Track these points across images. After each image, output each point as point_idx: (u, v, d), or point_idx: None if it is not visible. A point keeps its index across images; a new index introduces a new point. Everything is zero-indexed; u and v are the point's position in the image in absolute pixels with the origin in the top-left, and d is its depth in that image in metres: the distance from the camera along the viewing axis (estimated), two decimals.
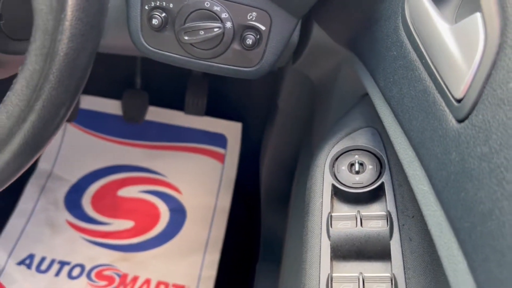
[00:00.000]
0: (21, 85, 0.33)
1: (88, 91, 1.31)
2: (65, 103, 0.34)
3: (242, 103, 1.31)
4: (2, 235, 1.14)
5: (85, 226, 1.19)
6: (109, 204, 1.23)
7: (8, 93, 0.34)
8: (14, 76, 0.43)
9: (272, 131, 1.03)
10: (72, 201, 1.22)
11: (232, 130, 1.34)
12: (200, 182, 1.29)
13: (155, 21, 0.57)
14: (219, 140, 1.34)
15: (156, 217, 1.23)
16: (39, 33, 0.32)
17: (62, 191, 1.23)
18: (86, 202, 1.22)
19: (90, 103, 1.33)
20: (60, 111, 0.34)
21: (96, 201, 1.23)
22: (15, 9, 0.47)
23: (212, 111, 1.32)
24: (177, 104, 1.31)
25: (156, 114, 1.32)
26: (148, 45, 0.59)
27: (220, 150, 1.33)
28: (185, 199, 1.26)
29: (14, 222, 1.17)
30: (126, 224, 1.21)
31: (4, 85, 0.58)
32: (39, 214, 1.19)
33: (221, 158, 1.32)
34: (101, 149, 1.28)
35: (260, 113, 1.24)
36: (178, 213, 1.24)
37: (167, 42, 0.59)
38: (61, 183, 1.24)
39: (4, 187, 0.43)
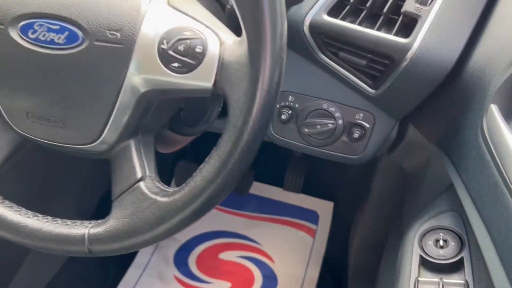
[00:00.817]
0: (214, 160, 0.50)
1: None
2: (240, 177, 0.51)
3: (336, 184, 1.45)
4: (122, 282, 1.33)
5: (190, 283, 1.35)
6: (211, 265, 1.38)
7: (204, 164, 0.51)
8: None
9: (363, 212, 1.15)
10: (180, 259, 1.39)
11: (324, 208, 1.47)
12: (292, 253, 1.41)
13: (283, 116, 0.74)
14: (312, 216, 1.47)
15: (250, 281, 1.36)
16: (231, 127, 0.49)
17: (172, 249, 1.41)
18: (192, 261, 1.39)
19: None
20: (235, 183, 0.51)
21: (200, 261, 1.39)
22: (193, 105, 0.66)
23: (308, 189, 1.47)
24: (276, 180, 1.48)
25: (258, 188, 1.50)
26: (275, 133, 0.77)
27: (312, 225, 1.46)
28: (277, 267, 1.39)
29: (132, 272, 1.36)
30: (224, 285, 1.35)
31: (168, 155, 0.77)
32: (152, 268, 1.38)
33: (312, 233, 1.45)
34: (209, 215, 1.46)
35: (352, 194, 1.36)
36: (270, 280, 1.36)
37: (290, 132, 0.76)
38: (172, 242, 1.42)
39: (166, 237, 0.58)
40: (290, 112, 0.75)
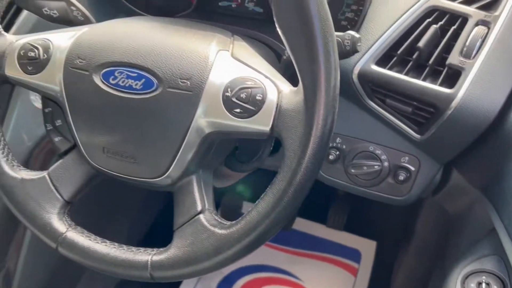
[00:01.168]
0: (269, 197, 0.55)
1: None
2: (292, 214, 0.55)
3: (379, 223, 1.46)
4: None
5: None
6: None
7: (260, 200, 0.55)
8: None
9: (406, 252, 1.16)
10: None
11: (367, 247, 1.48)
12: None
13: (331, 157, 0.79)
14: (354, 254, 1.49)
15: None
16: (286, 168, 0.54)
17: (215, 280, 1.45)
18: None
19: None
20: (287, 220, 0.55)
21: None
22: (247, 145, 0.72)
23: (351, 227, 1.48)
24: (319, 217, 1.51)
25: (301, 224, 1.53)
26: (323, 173, 0.81)
27: (354, 264, 1.47)
28: None
29: None
30: None
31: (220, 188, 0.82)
32: None
33: (354, 271, 1.46)
34: None
35: (395, 234, 1.38)
36: None
37: (337, 172, 0.80)
38: (216, 273, 1.46)
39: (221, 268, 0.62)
40: (337, 153, 0.79)
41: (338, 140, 0.79)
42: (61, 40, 0.62)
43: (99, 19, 0.73)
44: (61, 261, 0.98)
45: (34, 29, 0.80)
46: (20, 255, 0.94)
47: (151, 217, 1.35)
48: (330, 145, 0.79)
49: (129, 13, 0.85)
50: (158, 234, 1.34)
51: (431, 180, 0.76)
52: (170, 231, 0.61)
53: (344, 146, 0.79)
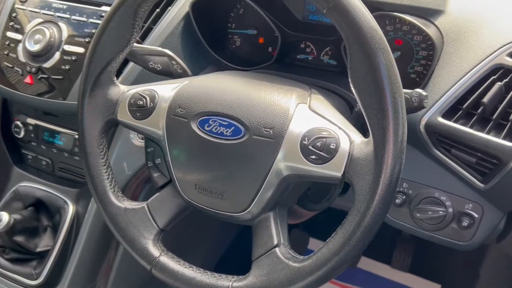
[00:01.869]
0: (339, 236, 0.62)
1: None
2: (360, 253, 0.61)
3: (444, 266, 1.46)
4: None
5: None
6: None
7: (330, 239, 0.62)
8: None
9: None
10: None
11: None
12: None
13: (397, 200, 0.84)
14: None
15: None
16: (355, 211, 0.61)
17: None
18: None
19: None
20: (355, 258, 0.61)
21: None
22: (319, 186, 0.79)
23: (415, 269, 1.50)
24: (384, 257, 1.53)
25: (365, 263, 1.56)
26: (389, 215, 0.86)
27: None
28: None
29: None
30: None
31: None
32: None
33: None
34: None
35: (460, 278, 1.37)
36: None
37: (403, 215, 0.85)
38: None
39: None
40: (404, 197, 0.84)
41: (404, 185, 0.84)
42: (165, 91, 0.74)
43: (193, 70, 0.84)
44: (144, 285, 1.08)
45: (139, 77, 0.93)
46: (110, 276, 1.06)
47: (225, 245, 1.43)
48: (397, 189, 0.85)
49: (217, 64, 0.97)
50: (231, 261, 1.42)
51: (494, 228, 0.79)
52: (242, 259, 0.68)
53: (410, 191, 0.84)
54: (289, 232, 0.72)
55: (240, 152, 0.67)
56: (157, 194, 0.75)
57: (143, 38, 0.95)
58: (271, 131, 0.66)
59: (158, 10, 0.96)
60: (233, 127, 0.67)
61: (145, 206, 0.74)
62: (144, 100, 0.73)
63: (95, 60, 0.74)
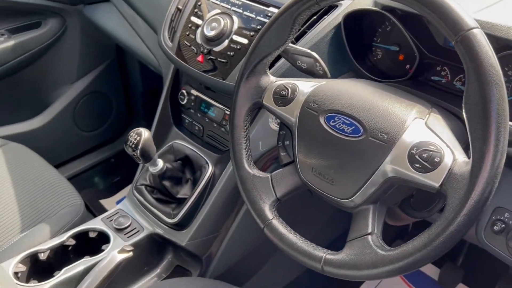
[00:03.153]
0: (425, 236, 0.71)
1: None
2: (437, 256, 0.70)
3: None
4: None
5: None
6: None
7: (416, 237, 0.72)
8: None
9: None
10: None
11: None
12: None
13: (496, 227, 0.89)
14: None
15: None
16: (444, 218, 0.69)
17: None
18: None
19: None
20: (431, 259, 0.70)
21: None
22: (423, 196, 0.87)
23: None
24: None
25: None
26: (485, 239, 0.91)
27: None
28: None
29: None
30: None
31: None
32: None
33: None
34: None
35: None
36: None
37: (498, 242, 0.90)
38: None
39: None
40: (503, 225, 0.89)
41: (506, 215, 0.89)
42: (304, 86, 0.88)
43: (333, 73, 0.97)
44: (260, 241, 1.24)
45: (286, 72, 1.08)
46: (230, 231, 1.24)
47: (335, 231, 1.53)
48: (498, 217, 0.90)
49: (357, 72, 1.08)
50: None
51: None
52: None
53: (511, 222, 0.88)
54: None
55: (355, 148, 0.79)
56: (280, 169, 0.90)
57: (297, 39, 1.10)
58: (385, 136, 0.77)
59: (315, 17, 1.10)
60: (353, 127, 0.80)
61: (269, 177, 0.90)
62: (287, 91, 0.89)
63: (256, 52, 0.91)
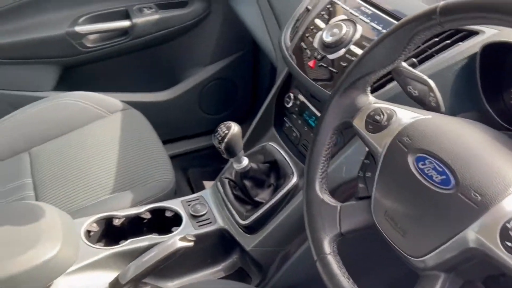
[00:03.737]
0: None
1: None
2: None
3: None
4: None
5: None
6: None
7: None
8: None
9: None
10: None
11: None
12: None
13: None
14: None
15: None
16: None
17: None
18: None
19: None
20: None
21: None
22: None
23: None
24: None
25: None
26: None
27: None
28: None
29: None
30: None
31: None
32: None
33: None
34: None
35: None
36: None
37: None
38: None
39: None
40: None
41: None
42: (404, 116, 0.76)
43: (451, 110, 0.83)
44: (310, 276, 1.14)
45: (394, 96, 0.95)
46: (302, 245, 1.15)
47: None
48: None
49: (484, 113, 0.90)
50: None
51: None
52: None
53: None
54: None
55: (439, 202, 0.65)
56: (352, 202, 0.79)
57: (420, 62, 0.96)
58: (479, 197, 0.62)
59: (448, 41, 0.96)
60: (444, 176, 0.66)
61: (338, 207, 0.80)
62: (382, 116, 0.77)
63: (360, 66, 0.81)
